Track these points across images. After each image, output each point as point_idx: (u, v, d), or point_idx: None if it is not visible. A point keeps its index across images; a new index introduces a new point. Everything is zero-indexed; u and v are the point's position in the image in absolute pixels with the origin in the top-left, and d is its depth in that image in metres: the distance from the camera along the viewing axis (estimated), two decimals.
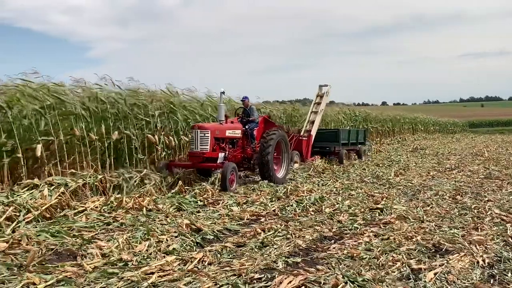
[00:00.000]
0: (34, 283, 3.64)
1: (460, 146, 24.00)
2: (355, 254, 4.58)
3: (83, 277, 3.86)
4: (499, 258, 4.53)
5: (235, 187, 8.72)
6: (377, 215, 6.67)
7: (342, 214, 6.71)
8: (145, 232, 5.21)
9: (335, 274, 3.84)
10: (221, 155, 9.23)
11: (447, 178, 10.98)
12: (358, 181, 10.39)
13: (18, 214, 5.66)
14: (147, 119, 9.64)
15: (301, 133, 13.99)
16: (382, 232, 5.55)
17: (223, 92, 10.13)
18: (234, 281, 3.72)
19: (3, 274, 3.84)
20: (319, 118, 14.58)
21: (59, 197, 6.44)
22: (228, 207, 7.13)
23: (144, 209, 6.58)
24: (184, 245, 4.95)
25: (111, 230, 5.59)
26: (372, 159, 16.00)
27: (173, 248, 4.79)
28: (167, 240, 5.04)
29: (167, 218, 6.17)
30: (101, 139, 8.60)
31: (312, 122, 14.36)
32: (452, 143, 27.63)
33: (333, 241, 5.27)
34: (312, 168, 12.25)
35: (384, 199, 7.86)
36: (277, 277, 3.75)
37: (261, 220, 6.39)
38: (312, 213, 6.91)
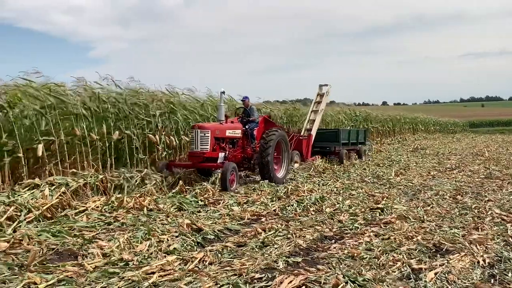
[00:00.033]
0: (35, 283, 3.65)
1: (461, 146, 23.99)
2: (355, 254, 4.58)
3: (84, 277, 3.86)
4: (499, 258, 4.54)
5: (235, 187, 8.72)
6: (377, 215, 6.67)
7: (343, 214, 6.71)
8: (146, 232, 5.22)
9: (336, 274, 3.84)
10: (221, 155, 9.23)
11: (448, 178, 10.98)
12: (358, 181, 10.40)
13: (19, 214, 5.67)
14: (148, 119, 9.65)
15: (301, 133, 14.00)
16: (382, 232, 5.55)
17: (223, 92, 10.13)
18: (234, 280, 3.73)
19: (4, 273, 3.85)
20: (319, 117, 14.59)
21: (60, 197, 6.45)
22: (229, 207, 7.14)
23: (145, 209, 6.59)
24: (185, 244, 4.96)
25: (112, 230, 5.60)
26: (373, 159, 16.00)
27: (174, 248, 4.80)
28: (168, 240, 5.04)
29: (168, 218, 6.18)
30: (102, 139, 8.61)
31: (313, 121, 14.37)
32: (453, 143, 27.62)
33: (333, 241, 5.28)
34: (312, 168, 12.25)
35: (385, 199, 7.86)
36: (278, 276, 3.76)
37: (262, 220, 6.39)
38: (313, 213, 6.91)
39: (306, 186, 8.99)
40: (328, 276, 3.77)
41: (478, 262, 4.36)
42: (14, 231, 5.22)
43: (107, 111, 8.82)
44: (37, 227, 5.43)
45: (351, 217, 6.49)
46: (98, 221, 5.91)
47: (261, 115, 11.21)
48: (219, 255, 4.63)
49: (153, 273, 3.94)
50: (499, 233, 5.47)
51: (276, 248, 4.88)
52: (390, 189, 9.32)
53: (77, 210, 6.32)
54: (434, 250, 4.83)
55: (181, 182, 8.34)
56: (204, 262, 4.38)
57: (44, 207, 5.97)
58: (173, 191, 7.99)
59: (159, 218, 6.19)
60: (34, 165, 7.67)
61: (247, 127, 10.21)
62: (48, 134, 7.69)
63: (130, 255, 4.45)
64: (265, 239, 5.17)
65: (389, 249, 4.76)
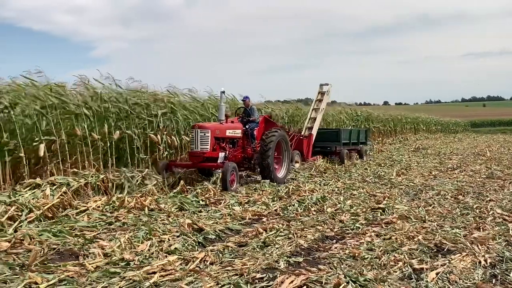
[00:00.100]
0: (36, 283, 3.64)
1: (462, 146, 23.96)
2: (357, 254, 4.57)
3: (85, 277, 3.86)
4: (501, 258, 4.52)
5: (235, 187, 8.71)
6: (379, 214, 6.66)
7: (344, 214, 6.70)
8: (147, 231, 5.22)
9: (337, 274, 3.84)
10: (221, 154, 9.22)
11: (449, 178, 10.96)
12: (360, 181, 10.38)
13: (20, 213, 5.68)
14: (150, 118, 9.65)
15: (303, 131, 14.00)
16: (384, 232, 5.54)
17: (224, 92, 10.12)
18: (236, 280, 3.72)
19: (5, 273, 3.85)
20: (320, 117, 14.58)
21: (61, 197, 6.45)
22: (230, 206, 7.14)
23: (146, 208, 6.59)
24: (186, 244, 4.95)
25: (113, 229, 5.60)
26: (374, 159, 15.98)
27: (175, 248, 4.79)
28: (169, 239, 5.04)
29: (169, 218, 6.18)
30: (103, 138, 8.62)
31: (314, 119, 14.36)
32: (454, 143, 27.59)
33: (335, 241, 5.27)
34: (314, 168, 12.25)
35: (386, 199, 7.85)
36: (279, 276, 3.75)
37: (263, 219, 6.39)
38: (314, 212, 6.90)
39: (308, 186, 8.99)
40: (329, 276, 3.77)
41: (480, 262, 4.35)
42: (15, 231, 5.22)
43: (108, 110, 8.83)
44: (38, 227, 5.44)
45: (353, 217, 6.48)
46: (99, 221, 5.91)
47: (261, 115, 11.21)
48: (220, 255, 4.63)
49: (154, 273, 3.94)
50: (500, 233, 5.45)
51: (277, 248, 4.87)
52: (391, 189, 9.31)
53: (78, 210, 6.33)
54: (435, 250, 4.82)
55: (182, 182, 8.35)
56: (205, 262, 4.37)
57: (45, 207, 5.97)
58: (174, 191, 8.00)
59: (160, 218, 6.19)
60: (35, 165, 7.69)
61: (247, 127, 10.20)
62: (49, 134, 7.70)
63: (131, 255, 4.44)
64: (266, 239, 5.16)
65: (391, 249, 4.75)
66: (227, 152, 9.43)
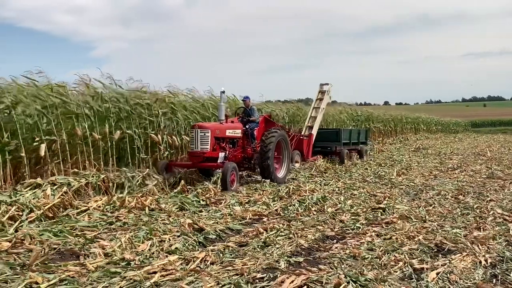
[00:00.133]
0: (36, 283, 3.64)
1: (463, 146, 23.96)
2: (357, 254, 4.58)
3: (86, 277, 3.86)
4: (501, 258, 4.52)
5: (235, 187, 8.71)
6: (379, 214, 6.66)
7: (344, 213, 6.71)
8: (147, 231, 5.22)
9: (337, 274, 3.84)
10: (221, 154, 9.22)
11: (450, 178, 10.96)
12: (360, 181, 10.38)
13: (21, 213, 5.68)
14: (151, 118, 9.66)
15: (303, 130, 14.00)
16: (384, 231, 5.55)
17: (224, 92, 10.12)
18: (236, 280, 3.72)
19: (6, 273, 3.85)
20: (320, 117, 14.58)
21: (62, 197, 6.46)
22: (231, 206, 7.14)
23: (147, 208, 6.59)
24: (187, 244, 4.96)
25: (113, 229, 5.60)
26: (375, 159, 15.98)
27: (176, 248, 4.80)
28: (169, 239, 5.04)
29: (169, 218, 6.18)
30: (104, 138, 8.62)
31: (314, 118, 14.36)
32: (455, 142, 27.58)
33: (335, 240, 5.27)
34: (314, 168, 12.25)
35: (387, 198, 7.85)
36: (279, 276, 3.75)
37: (264, 219, 6.39)
38: (315, 212, 6.91)
39: (308, 186, 8.99)
40: (329, 276, 3.77)
41: (480, 262, 4.35)
42: (16, 230, 5.23)
43: (109, 110, 8.83)
44: (39, 226, 5.44)
45: (353, 217, 6.49)
46: (100, 221, 5.91)
47: (261, 115, 11.21)
48: (221, 255, 4.63)
49: (155, 272, 3.94)
50: (501, 233, 5.45)
51: (277, 248, 4.87)
52: (392, 189, 9.31)
53: (79, 210, 6.33)
54: (436, 250, 4.82)
55: (182, 182, 8.35)
56: (206, 261, 4.38)
57: (46, 207, 5.98)
58: (175, 190, 8.00)
59: (160, 217, 6.20)
60: (36, 164, 7.69)
61: (247, 127, 10.20)
62: (50, 133, 7.70)
63: (132, 255, 4.45)
64: (267, 239, 5.17)
65: (391, 249, 4.75)
66: (227, 152, 9.43)
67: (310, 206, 7.23)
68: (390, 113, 29.17)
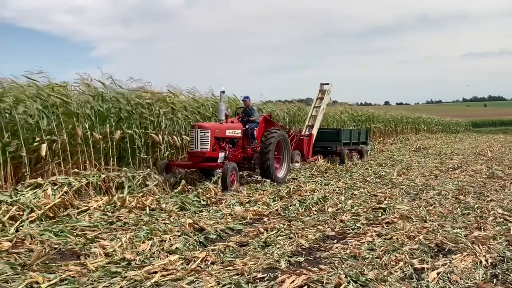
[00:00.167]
0: (37, 282, 3.65)
1: (463, 146, 23.95)
2: (358, 254, 4.58)
3: (87, 276, 3.87)
4: (502, 258, 4.52)
5: (236, 187, 8.69)
6: (380, 214, 6.66)
7: (345, 213, 6.70)
8: (148, 231, 5.22)
9: (338, 274, 3.85)
10: (221, 154, 9.21)
11: (450, 178, 10.96)
12: (361, 181, 10.38)
13: (21, 213, 5.68)
14: (151, 118, 9.66)
15: (304, 129, 14.00)
16: (385, 231, 5.55)
17: (224, 91, 10.11)
18: (236, 280, 3.73)
19: (7, 273, 3.86)
20: (320, 117, 14.57)
21: (63, 197, 6.46)
22: (231, 206, 7.14)
23: (147, 208, 6.60)
24: (187, 244, 4.96)
25: (114, 229, 5.60)
26: (375, 159, 15.97)
27: (176, 248, 4.80)
28: (170, 239, 5.05)
29: (170, 218, 6.19)
30: (104, 138, 8.63)
31: (315, 117, 14.36)
32: (455, 142, 27.57)
33: (336, 240, 5.27)
34: (314, 168, 12.25)
35: (387, 198, 7.85)
36: (280, 276, 3.76)
37: (264, 219, 6.39)
38: (315, 212, 6.90)
39: (308, 185, 8.99)
40: (330, 276, 3.77)
41: (481, 262, 4.35)
42: (17, 230, 5.23)
43: (110, 110, 8.84)
44: (39, 226, 5.44)
45: (353, 217, 6.48)
46: (101, 221, 5.92)
47: (261, 115, 11.21)
48: (221, 254, 4.63)
49: (156, 272, 3.94)
50: (501, 233, 5.45)
51: (278, 247, 4.87)
52: (392, 189, 9.31)
53: (79, 210, 6.33)
54: (436, 250, 4.82)
55: (183, 182, 8.35)
56: (206, 261, 4.38)
57: (47, 207, 5.98)
58: (175, 190, 8.00)
59: (161, 217, 6.20)
60: (37, 164, 7.70)
61: (247, 127, 10.20)
62: (51, 133, 7.71)
63: (132, 255, 4.45)
64: (267, 239, 5.16)
65: (391, 249, 4.75)
66: (227, 152, 9.42)
67: (310, 206, 7.23)
68: (391, 113, 29.18)
